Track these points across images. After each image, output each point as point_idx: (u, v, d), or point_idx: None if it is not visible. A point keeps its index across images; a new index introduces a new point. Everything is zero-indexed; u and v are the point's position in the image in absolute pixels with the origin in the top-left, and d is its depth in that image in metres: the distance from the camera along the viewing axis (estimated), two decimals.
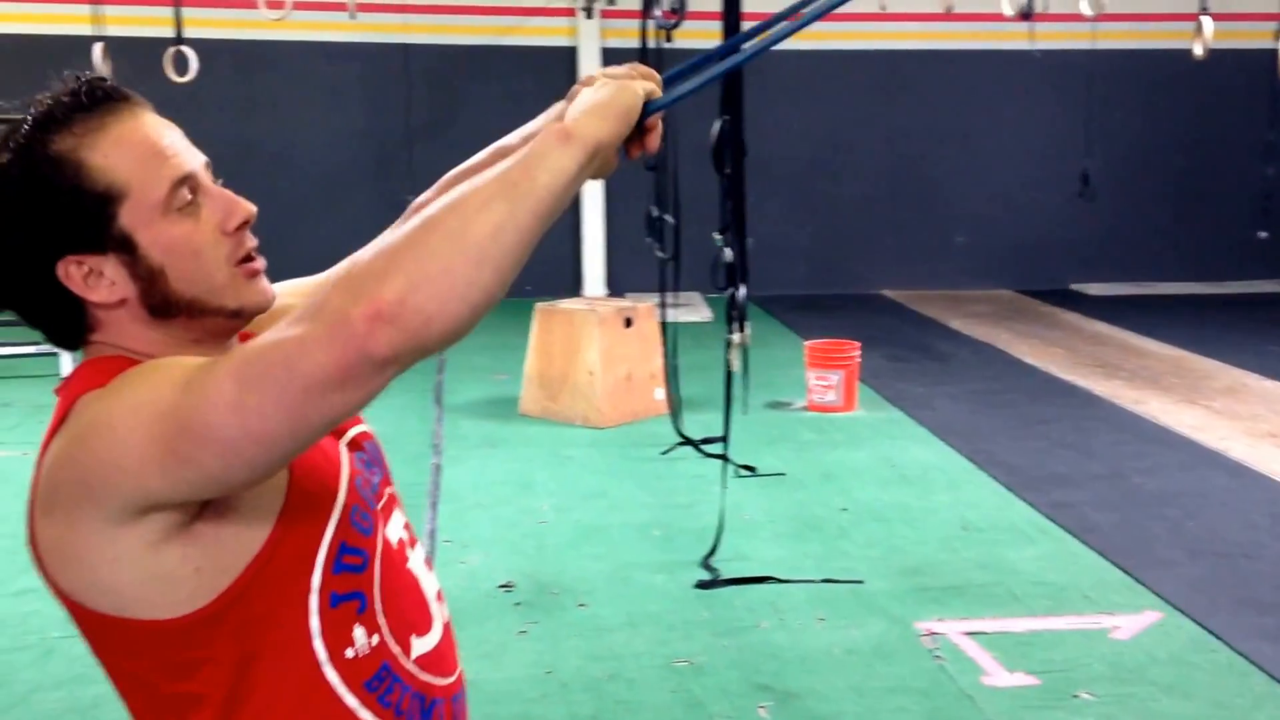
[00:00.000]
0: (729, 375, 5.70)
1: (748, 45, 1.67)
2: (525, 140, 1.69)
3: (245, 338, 1.60)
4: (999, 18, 10.18)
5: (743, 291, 5.53)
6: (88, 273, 1.43)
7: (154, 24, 10.72)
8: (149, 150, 1.43)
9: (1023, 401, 8.87)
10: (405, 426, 7.87)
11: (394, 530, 1.64)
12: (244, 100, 12.74)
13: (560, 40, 13.25)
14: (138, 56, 10.88)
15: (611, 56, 13.01)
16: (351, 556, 1.53)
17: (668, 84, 1.56)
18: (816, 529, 6.22)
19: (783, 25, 1.61)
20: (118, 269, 1.43)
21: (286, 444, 1.30)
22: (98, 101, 1.43)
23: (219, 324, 1.51)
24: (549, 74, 13.18)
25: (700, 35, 10.42)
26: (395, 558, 1.61)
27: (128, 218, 1.42)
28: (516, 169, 1.32)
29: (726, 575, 5.56)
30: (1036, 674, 4.64)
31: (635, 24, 12.17)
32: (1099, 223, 13.79)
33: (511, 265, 1.29)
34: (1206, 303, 13.33)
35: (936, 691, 4.53)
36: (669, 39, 6.98)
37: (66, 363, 8.87)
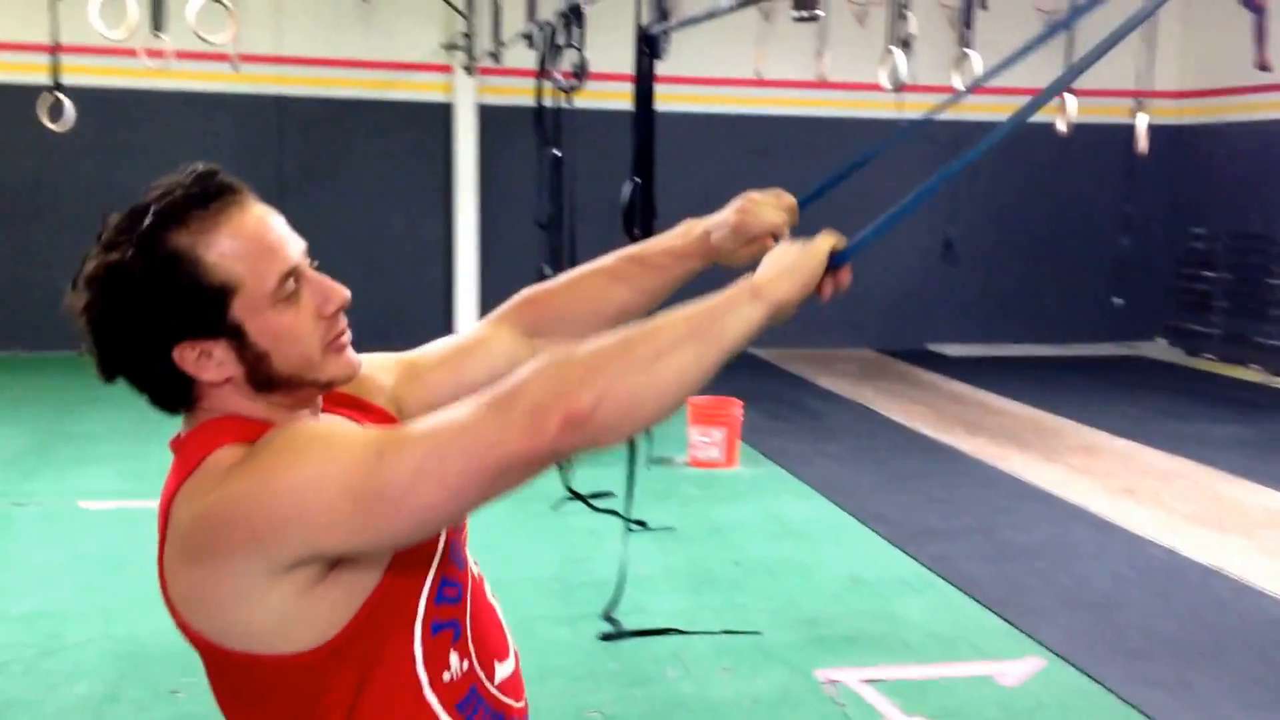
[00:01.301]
0: None
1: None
2: (658, 250, 1.97)
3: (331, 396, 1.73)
4: (870, 87, 10.59)
5: None
6: (199, 354, 1.55)
7: (30, 70, 10.53)
8: (259, 246, 1.56)
9: (895, 458, 9.18)
10: None
11: (473, 565, 1.79)
12: (118, 149, 12.51)
13: (437, 96, 13.32)
14: (11, 103, 10.72)
15: (489, 114, 13.18)
16: (450, 589, 1.67)
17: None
18: (712, 582, 6.39)
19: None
20: (227, 352, 1.56)
21: (470, 507, 1.47)
22: (211, 196, 1.55)
23: (310, 393, 1.64)
24: (425, 129, 13.30)
25: (605, 96, 10.69)
26: (479, 589, 1.76)
27: (239, 309, 1.54)
28: (707, 318, 1.51)
29: (629, 627, 5.67)
30: (933, 718, 4.84)
31: (514, 81, 12.40)
32: (958, 286, 14.29)
33: (683, 401, 1.49)
34: (1058, 364, 13.90)
35: None
36: (569, 101, 7.14)
37: None
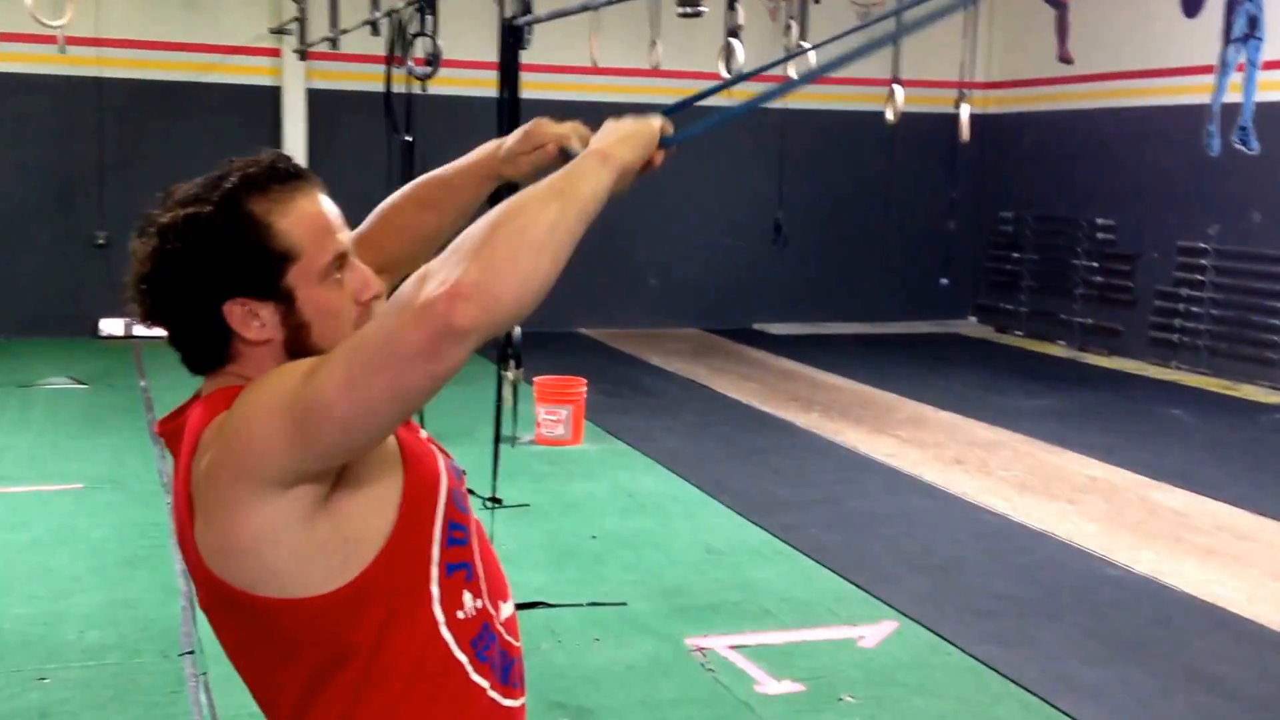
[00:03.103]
0: (499, 410, 5.95)
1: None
2: (457, 171, 2.09)
3: None
4: (700, 75, 10.85)
5: (517, 331, 5.80)
6: (248, 312, 1.66)
7: None
8: (323, 226, 1.70)
9: (735, 433, 9.44)
10: (129, 468, 7.83)
11: (475, 514, 1.89)
12: None
13: (264, 80, 13.21)
14: None
15: (318, 98, 13.13)
16: (457, 532, 1.78)
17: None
18: (572, 556, 6.52)
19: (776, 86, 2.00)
20: (273, 315, 1.68)
21: (393, 411, 1.53)
22: (290, 176, 1.69)
23: None
24: (251, 113, 13.17)
25: (461, 84, 10.64)
26: (481, 533, 1.87)
27: (294, 277, 1.67)
28: (562, 181, 1.63)
29: None
30: (802, 681, 5.06)
31: (345, 66, 12.33)
32: (781, 267, 14.64)
33: (562, 256, 1.56)
34: (878, 342, 14.39)
35: (717, 701, 4.88)
36: (424, 88, 7.18)
37: None
